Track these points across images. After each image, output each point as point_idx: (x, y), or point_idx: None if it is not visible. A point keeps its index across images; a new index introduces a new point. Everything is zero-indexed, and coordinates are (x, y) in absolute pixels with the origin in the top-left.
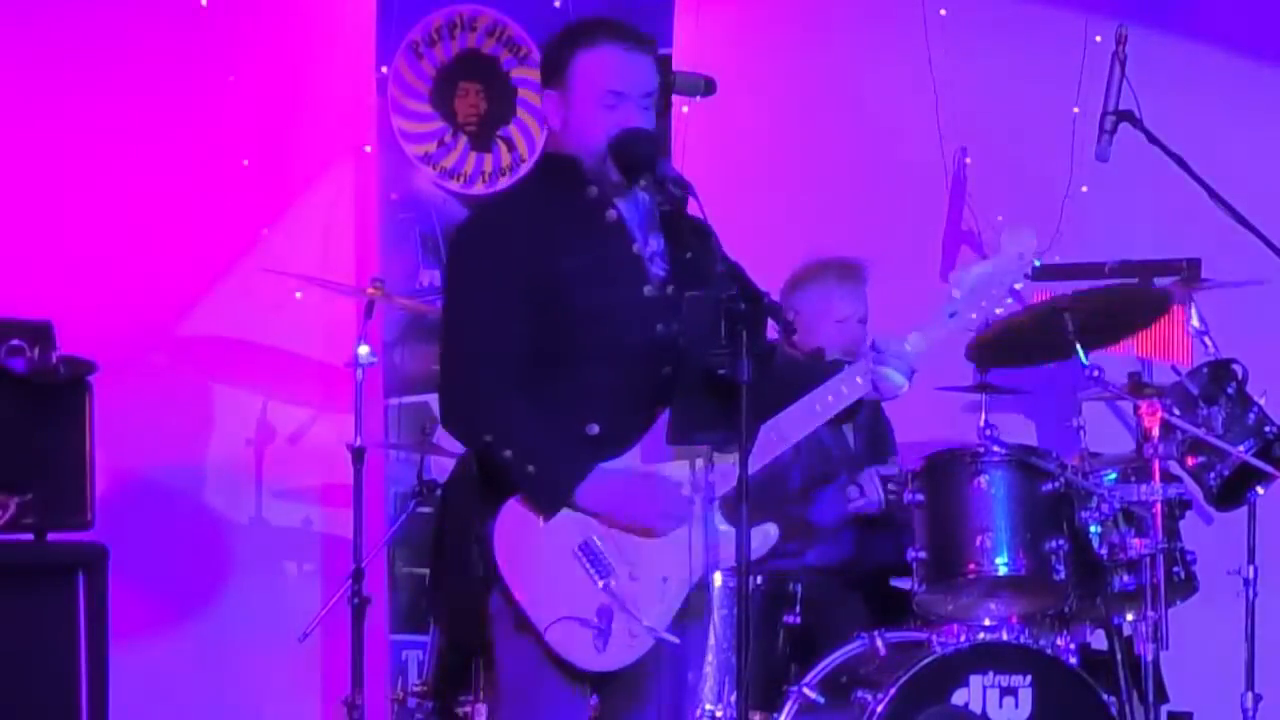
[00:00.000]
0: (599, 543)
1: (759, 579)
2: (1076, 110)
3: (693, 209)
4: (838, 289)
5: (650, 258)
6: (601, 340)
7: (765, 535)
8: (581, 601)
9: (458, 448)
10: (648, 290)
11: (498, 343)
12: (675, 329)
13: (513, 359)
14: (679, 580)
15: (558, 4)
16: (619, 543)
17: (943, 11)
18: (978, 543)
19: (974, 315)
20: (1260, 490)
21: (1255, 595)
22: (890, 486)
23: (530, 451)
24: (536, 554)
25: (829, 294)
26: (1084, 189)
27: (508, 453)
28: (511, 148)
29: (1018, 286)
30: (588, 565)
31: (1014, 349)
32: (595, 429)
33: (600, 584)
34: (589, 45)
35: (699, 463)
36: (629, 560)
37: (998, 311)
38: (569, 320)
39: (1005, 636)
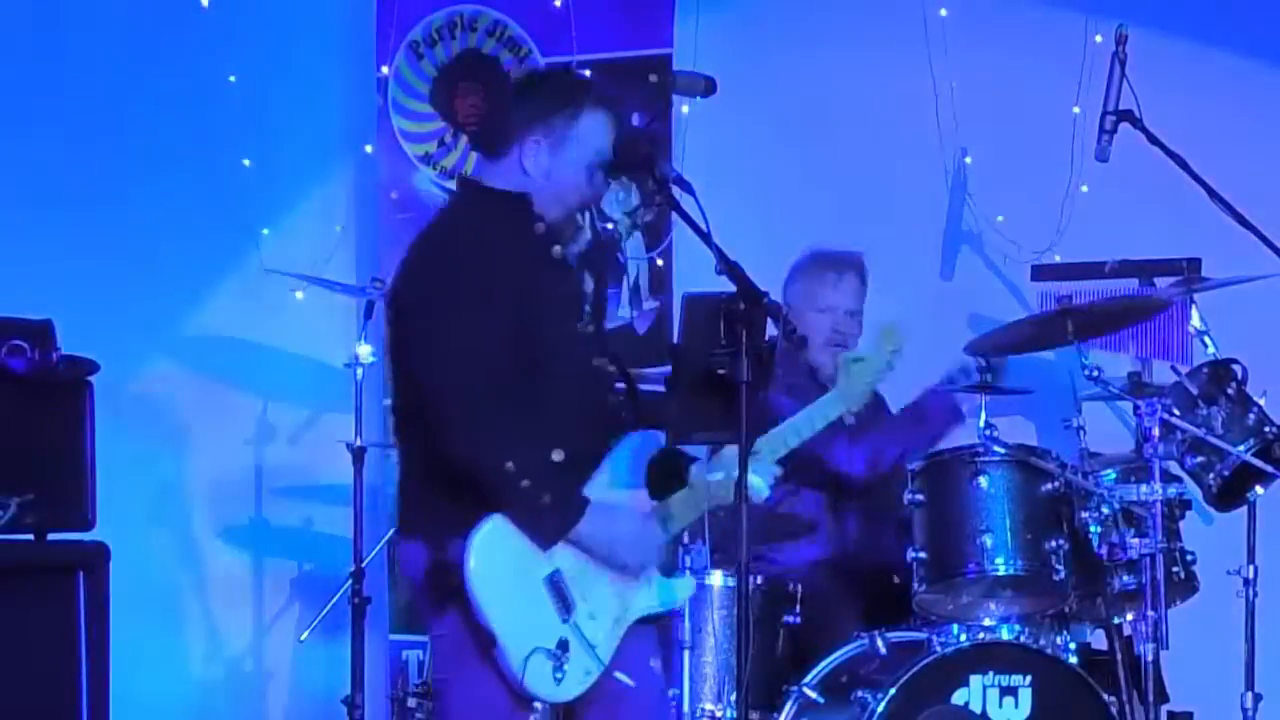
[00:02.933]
0: (567, 575)
1: (759, 579)
2: (1076, 110)
3: (692, 209)
4: (824, 279)
5: (583, 295)
6: (555, 370)
7: (687, 586)
8: (546, 632)
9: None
10: (580, 326)
11: (488, 372)
12: (603, 364)
13: (498, 388)
14: (624, 621)
15: (558, 3)
16: (583, 579)
17: (943, 11)
18: (978, 543)
19: (855, 404)
20: (1260, 490)
21: (1255, 595)
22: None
23: (542, 482)
24: (511, 582)
25: (815, 284)
26: (1084, 189)
27: (526, 482)
28: None
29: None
30: (555, 598)
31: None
32: (560, 455)
33: (565, 618)
34: (592, 109)
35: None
36: (590, 598)
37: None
38: (532, 353)
39: (1005, 636)
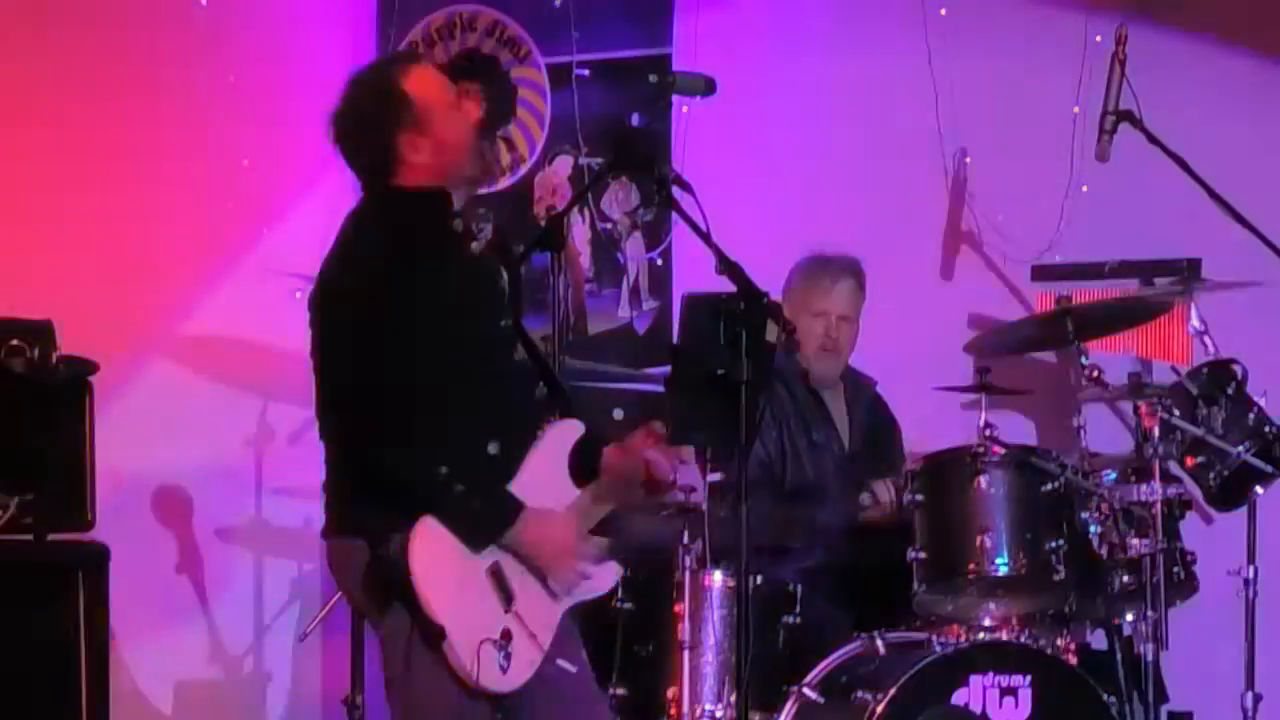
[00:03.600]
0: (506, 566)
1: (759, 579)
2: (1076, 110)
3: (692, 209)
4: (818, 284)
5: (501, 291)
6: (480, 366)
7: (615, 571)
8: (490, 623)
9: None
10: (503, 322)
11: (411, 375)
12: (523, 359)
13: (423, 390)
14: (559, 609)
15: (557, 3)
16: (521, 567)
17: (943, 11)
18: (978, 543)
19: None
20: (1260, 490)
21: (1255, 595)
22: (905, 497)
23: (475, 486)
24: (455, 575)
25: (810, 288)
26: (1084, 189)
27: (460, 486)
28: (511, 148)
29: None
30: (498, 589)
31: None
32: (495, 448)
33: (508, 608)
34: (406, 70)
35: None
36: (529, 585)
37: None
38: (459, 352)
39: (1005, 636)
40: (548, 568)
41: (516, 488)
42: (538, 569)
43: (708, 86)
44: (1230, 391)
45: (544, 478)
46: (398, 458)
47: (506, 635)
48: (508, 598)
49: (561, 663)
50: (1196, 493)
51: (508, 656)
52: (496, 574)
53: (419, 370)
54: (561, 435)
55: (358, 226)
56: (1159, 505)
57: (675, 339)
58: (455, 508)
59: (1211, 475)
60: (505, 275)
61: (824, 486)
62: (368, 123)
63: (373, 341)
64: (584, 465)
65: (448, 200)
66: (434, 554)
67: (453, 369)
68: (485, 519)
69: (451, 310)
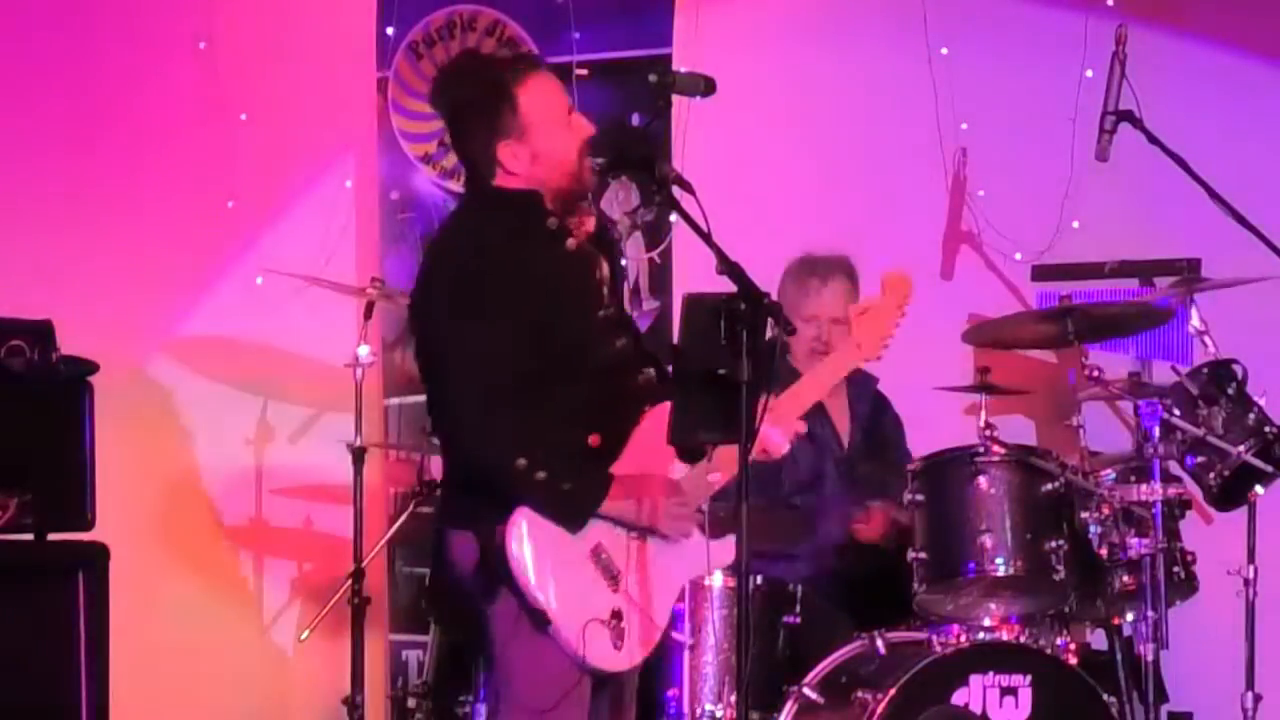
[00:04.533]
0: (610, 547)
1: (759, 579)
2: (1076, 110)
3: (692, 209)
4: (807, 286)
5: (601, 283)
6: (577, 360)
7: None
8: (598, 604)
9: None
10: (602, 313)
11: (502, 373)
12: (630, 346)
13: (517, 389)
14: (672, 585)
15: (559, 2)
16: (625, 548)
17: (943, 11)
18: (978, 543)
19: (875, 351)
20: (1260, 490)
21: (1255, 595)
22: (905, 497)
23: (560, 471)
24: (556, 560)
25: (799, 290)
26: (1084, 189)
27: (541, 474)
28: None
29: (892, 333)
30: (602, 570)
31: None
32: (596, 439)
33: (615, 587)
34: (521, 78)
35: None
36: (635, 564)
37: (882, 353)
38: (556, 347)
39: (1005, 636)
40: (650, 521)
41: (617, 470)
42: (643, 530)
43: (708, 86)
44: (1230, 391)
45: (645, 458)
46: (479, 454)
47: (616, 614)
48: (614, 578)
49: (676, 635)
50: (1196, 493)
51: (620, 635)
52: (598, 554)
53: (511, 367)
54: (663, 417)
55: (453, 228)
56: (1159, 505)
57: (675, 339)
58: (543, 494)
59: (1211, 475)
60: (606, 264)
61: (821, 486)
62: (473, 123)
63: (449, 346)
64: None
65: (541, 201)
66: (533, 541)
67: (546, 364)
68: (575, 498)
69: (543, 309)
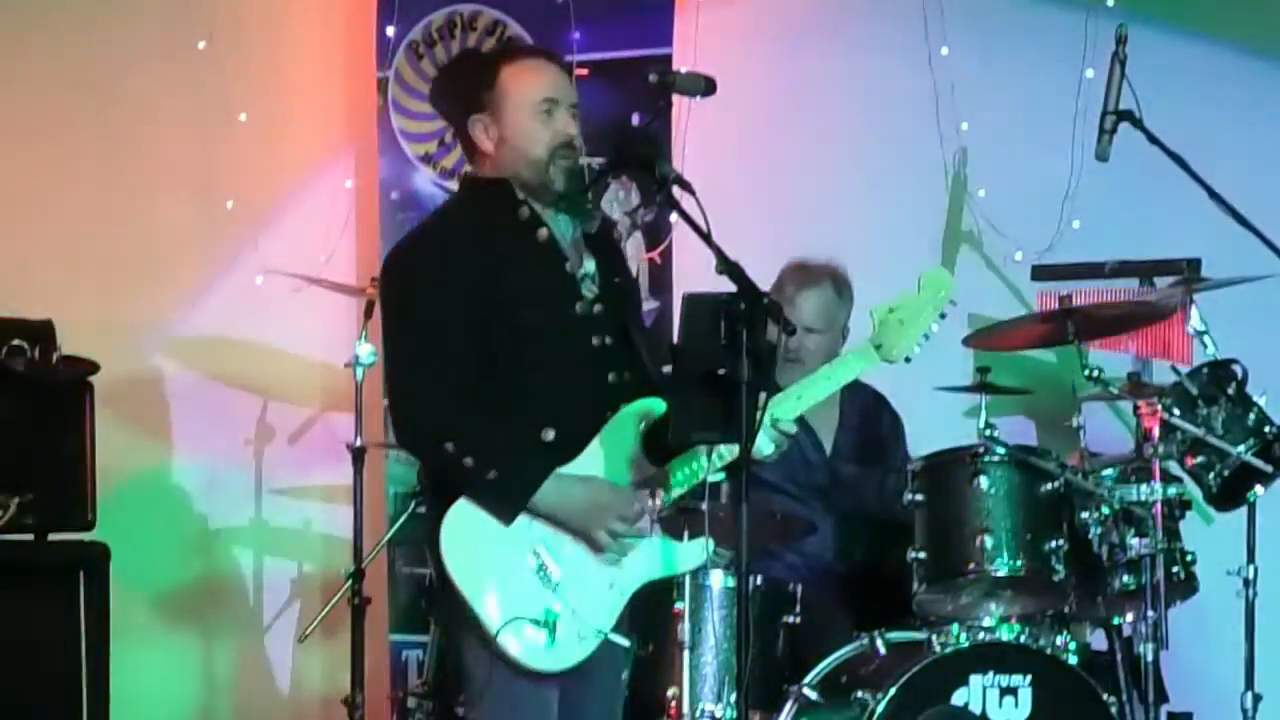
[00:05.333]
0: (548, 546)
1: (758, 579)
2: (1077, 110)
3: (692, 209)
4: (782, 293)
5: (581, 278)
6: (543, 353)
7: (696, 550)
8: (531, 602)
9: None
10: (579, 308)
11: (444, 356)
12: (610, 342)
13: (459, 371)
14: (622, 586)
15: (559, 2)
16: (567, 546)
17: (943, 12)
18: (978, 543)
19: (901, 352)
20: (1260, 490)
21: (1255, 595)
22: (905, 496)
23: (490, 458)
24: (487, 555)
25: (779, 295)
26: (1084, 189)
27: (468, 460)
28: None
29: (933, 328)
30: (538, 568)
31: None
32: (551, 434)
33: (550, 586)
34: (512, 60)
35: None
36: (577, 565)
37: (915, 350)
38: (511, 335)
39: (1005, 636)
40: (582, 528)
41: (574, 469)
42: (576, 534)
43: (708, 86)
44: (1230, 391)
45: (608, 457)
46: (411, 434)
47: (551, 614)
48: (550, 576)
49: (613, 636)
50: (1197, 493)
51: (554, 635)
52: (535, 552)
53: (452, 348)
54: (634, 416)
55: (429, 216)
56: (1159, 505)
57: (675, 339)
58: (470, 481)
59: (1211, 475)
60: (591, 261)
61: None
62: (455, 96)
63: (396, 325)
64: (655, 444)
65: (511, 189)
66: (467, 535)
67: (497, 351)
68: (501, 488)
69: (498, 293)
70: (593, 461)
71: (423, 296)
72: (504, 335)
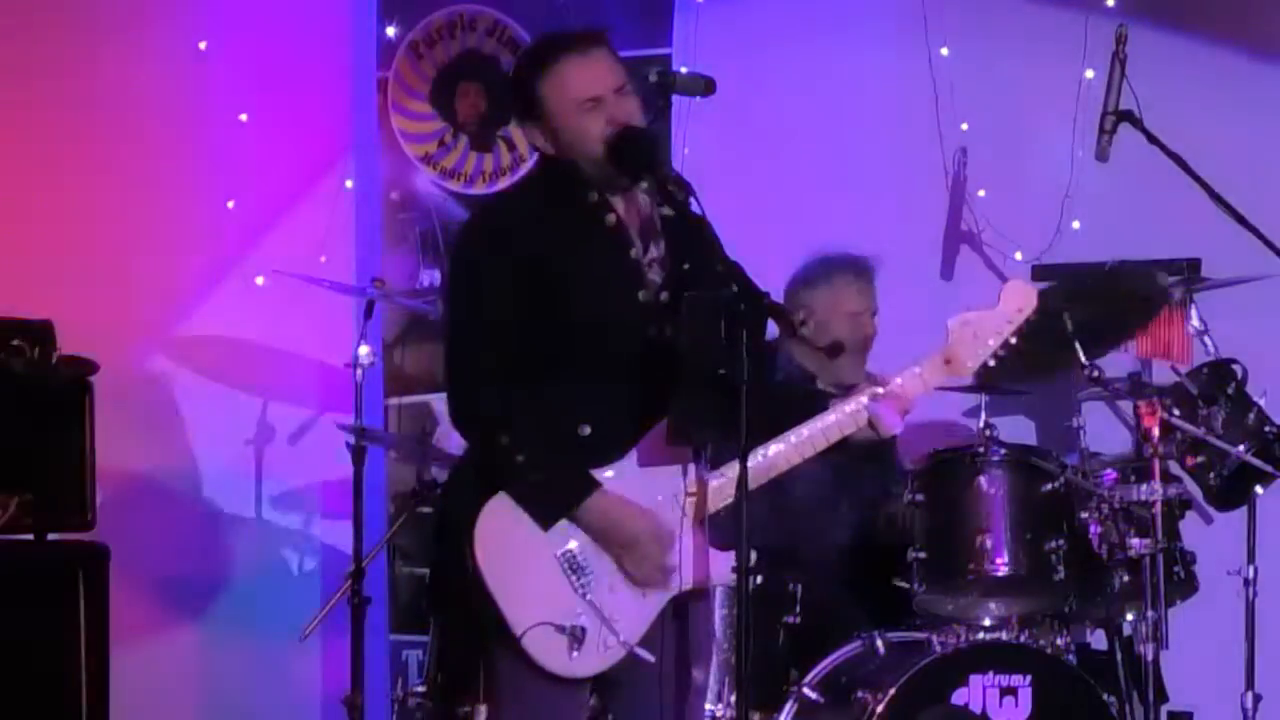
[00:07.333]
0: (582, 551)
1: (759, 579)
2: (1076, 110)
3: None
4: (849, 284)
5: (649, 264)
6: (595, 344)
7: (728, 561)
8: (560, 607)
9: (458, 448)
10: (642, 296)
11: (503, 342)
12: (668, 336)
13: (515, 359)
14: (657, 596)
15: (559, 1)
16: (601, 554)
17: (943, 12)
18: (978, 543)
19: (969, 364)
20: (1260, 490)
21: (1255, 595)
22: (905, 496)
23: (539, 458)
24: (519, 556)
25: (841, 290)
26: (1084, 189)
27: (520, 457)
28: (512, 148)
29: (1012, 341)
30: (570, 573)
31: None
32: (586, 430)
33: (581, 593)
34: (546, 68)
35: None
36: (609, 572)
37: (990, 363)
38: (564, 322)
39: (1005, 636)
40: (617, 558)
41: (616, 470)
42: (613, 554)
43: (708, 86)
44: (1230, 391)
45: (654, 461)
46: (469, 424)
47: (578, 620)
48: (584, 583)
49: (638, 650)
50: (1196, 493)
51: (579, 642)
52: (570, 559)
53: (513, 337)
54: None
55: (500, 193)
56: (1159, 505)
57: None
58: (518, 479)
59: (1211, 475)
60: (665, 248)
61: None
62: (513, 109)
63: (460, 300)
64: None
65: (581, 172)
66: (500, 533)
67: (559, 339)
68: (547, 494)
69: (561, 278)
70: (632, 465)
71: (486, 268)
72: (554, 323)
